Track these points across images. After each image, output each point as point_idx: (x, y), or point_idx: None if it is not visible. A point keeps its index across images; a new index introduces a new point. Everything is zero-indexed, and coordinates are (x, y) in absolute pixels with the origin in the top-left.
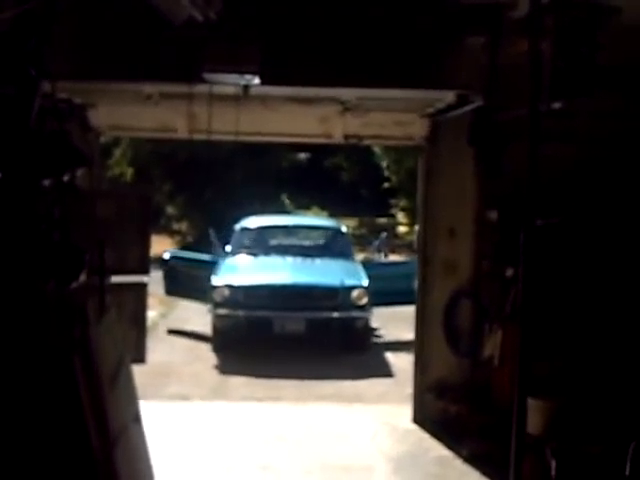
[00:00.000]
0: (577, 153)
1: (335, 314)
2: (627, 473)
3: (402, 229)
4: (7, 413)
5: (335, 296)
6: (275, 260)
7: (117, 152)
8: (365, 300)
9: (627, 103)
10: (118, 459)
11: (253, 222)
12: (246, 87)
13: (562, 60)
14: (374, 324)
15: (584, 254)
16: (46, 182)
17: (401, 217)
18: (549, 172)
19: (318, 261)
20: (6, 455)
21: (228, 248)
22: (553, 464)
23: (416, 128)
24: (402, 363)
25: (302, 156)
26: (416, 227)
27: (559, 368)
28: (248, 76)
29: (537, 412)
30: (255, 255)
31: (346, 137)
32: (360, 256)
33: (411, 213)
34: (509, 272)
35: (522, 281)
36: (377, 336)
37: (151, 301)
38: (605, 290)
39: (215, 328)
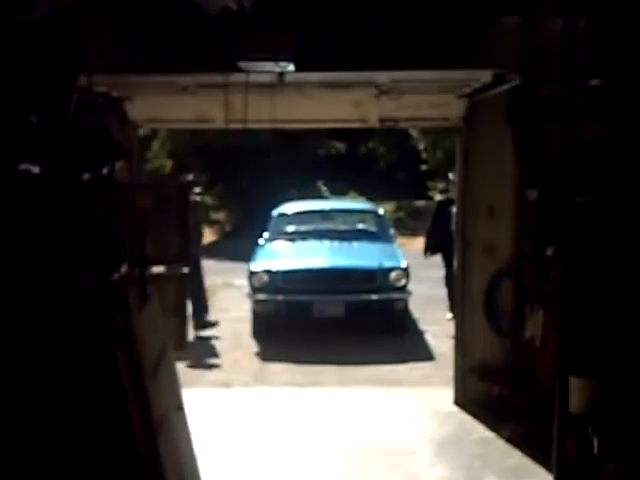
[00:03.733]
0: (615, 131)
1: (374, 296)
2: None
3: None
4: (51, 404)
5: (374, 278)
6: (313, 244)
7: (155, 145)
8: (404, 281)
9: None
10: (161, 448)
11: (290, 208)
12: (281, 74)
13: (597, 37)
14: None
15: (625, 232)
16: (85, 176)
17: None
18: (588, 150)
19: (356, 244)
20: (51, 445)
21: (266, 234)
22: (595, 442)
23: (452, 109)
24: (443, 346)
25: (338, 145)
26: (454, 209)
27: (601, 346)
28: (283, 63)
29: (579, 391)
30: (293, 240)
31: (381, 121)
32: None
33: None
34: (549, 251)
35: (562, 260)
36: None
37: None
38: None
39: (255, 313)
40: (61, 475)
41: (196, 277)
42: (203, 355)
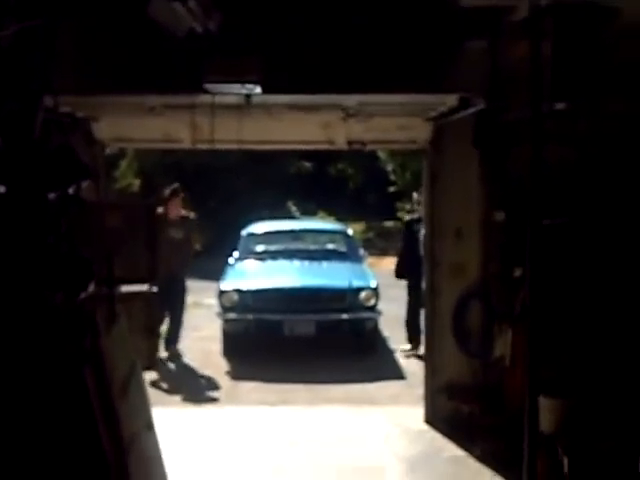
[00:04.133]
0: (581, 154)
1: (344, 316)
2: None
3: None
4: (19, 424)
5: (344, 298)
6: (283, 264)
7: (123, 164)
8: (374, 301)
9: (629, 104)
10: (131, 467)
11: (260, 227)
12: (248, 96)
13: (563, 62)
14: None
15: (591, 253)
16: (52, 195)
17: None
18: (554, 172)
19: (325, 264)
20: (18, 465)
21: (236, 254)
22: (565, 461)
23: (419, 132)
24: (413, 365)
25: (307, 165)
26: (423, 230)
27: (569, 365)
28: (250, 85)
29: (549, 410)
30: (263, 260)
31: (349, 143)
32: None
33: None
34: (517, 272)
35: (529, 281)
36: None
37: None
38: (613, 288)
39: (225, 332)
40: None
41: (177, 297)
42: (174, 374)
